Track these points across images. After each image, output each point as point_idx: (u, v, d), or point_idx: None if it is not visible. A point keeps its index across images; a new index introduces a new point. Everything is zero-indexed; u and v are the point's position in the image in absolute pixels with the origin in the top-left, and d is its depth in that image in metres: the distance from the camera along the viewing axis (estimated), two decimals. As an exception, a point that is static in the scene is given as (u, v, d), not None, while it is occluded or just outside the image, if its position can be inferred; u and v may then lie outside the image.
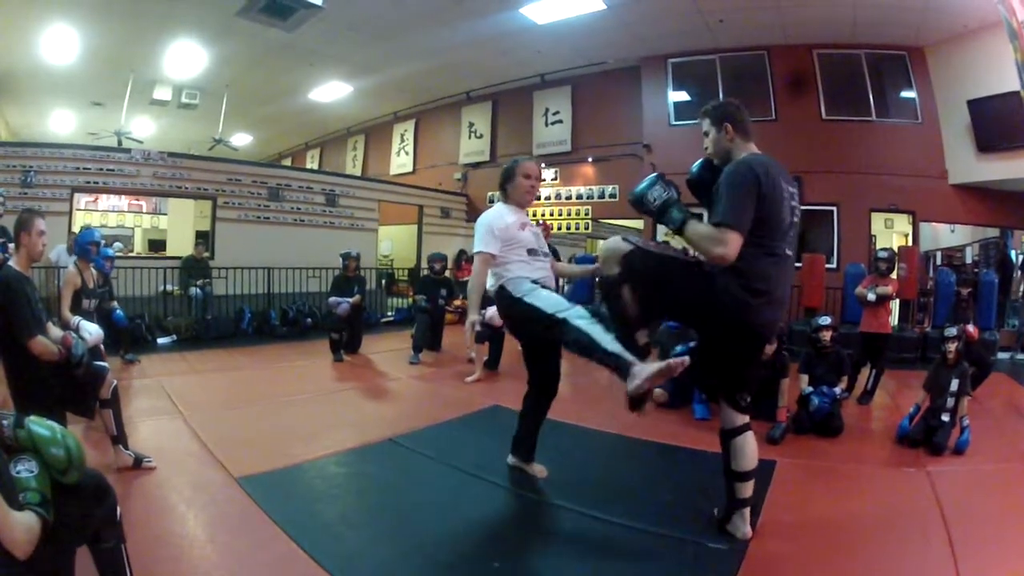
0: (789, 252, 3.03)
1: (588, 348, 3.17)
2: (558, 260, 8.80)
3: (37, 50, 12.48)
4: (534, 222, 4.16)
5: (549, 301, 3.48)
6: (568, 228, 14.79)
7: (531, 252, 3.84)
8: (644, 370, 2.90)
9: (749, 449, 3.17)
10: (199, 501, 3.60)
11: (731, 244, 2.76)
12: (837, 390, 5.43)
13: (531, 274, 3.75)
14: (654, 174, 3.13)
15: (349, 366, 8.10)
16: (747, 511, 3.21)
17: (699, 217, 2.99)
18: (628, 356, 2.99)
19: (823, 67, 11.71)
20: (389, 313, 13.27)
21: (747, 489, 3.18)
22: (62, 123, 17.28)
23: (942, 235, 13.95)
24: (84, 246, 5.88)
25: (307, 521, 3.34)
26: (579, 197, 14.64)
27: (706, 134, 3.19)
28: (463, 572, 2.92)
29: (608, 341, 3.11)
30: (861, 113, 11.55)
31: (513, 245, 3.81)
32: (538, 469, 4.08)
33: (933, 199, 11.21)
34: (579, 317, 3.29)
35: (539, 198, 14.93)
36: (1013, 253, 12.36)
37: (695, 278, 2.97)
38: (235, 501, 3.57)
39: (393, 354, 8.76)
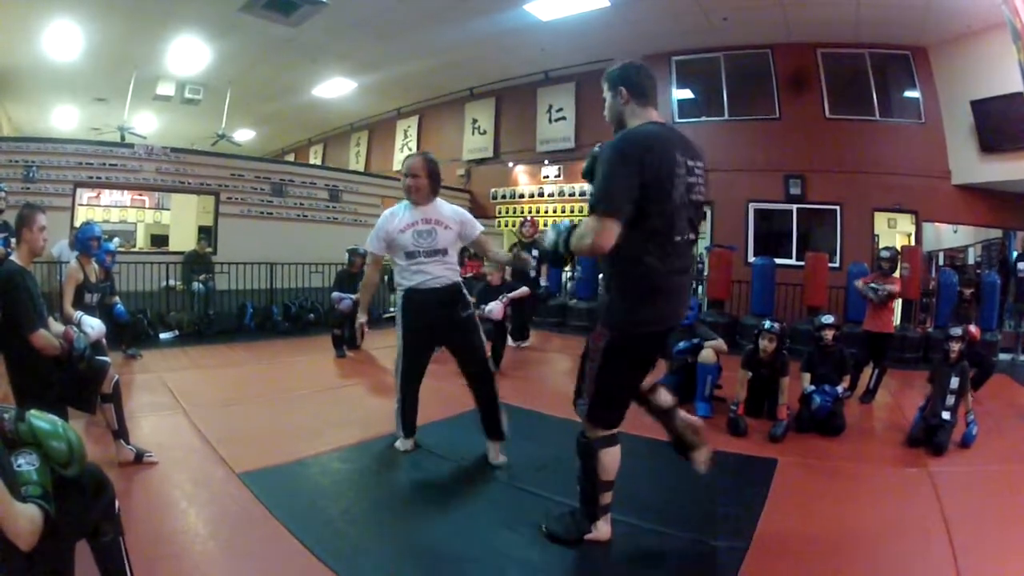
0: (680, 237, 2.74)
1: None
2: (546, 261, 8.89)
3: (40, 47, 12.50)
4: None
5: (397, 350, 4.45)
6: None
7: (409, 255, 4.14)
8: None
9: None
10: (200, 497, 3.60)
11: (604, 231, 2.55)
12: (839, 389, 5.43)
13: (408, 280, 4.18)
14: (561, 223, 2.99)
15: (351, 362, 8.11)
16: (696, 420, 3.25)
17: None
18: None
19: (827, 66, 11.70)
20: (392, 309, 13.22)
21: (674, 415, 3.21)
22: (65, 119, 17.29)
23: (944, 235, 13.92)
24: (85, 241, 5.84)
25: (309, 517, 3.34)
26: (582, 194, 14.58)
27: (604, 100, 2.97)
28: (466, 568, 2.92)
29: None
30: (864, 112, 11.54)
31: (393, 248, 4.20)
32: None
33: (936, 199, 11.21)
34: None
35: (542, 195, 14.97)
36: (1015, 255, 12.33)
37: (618, 351, 2.84)
38: (237, 497, 3.58)
39: (395, 350, 8.71)
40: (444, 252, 4.18)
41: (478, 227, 4.41)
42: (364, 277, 4.29)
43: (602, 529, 3.09)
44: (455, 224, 4.23)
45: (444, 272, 4.18)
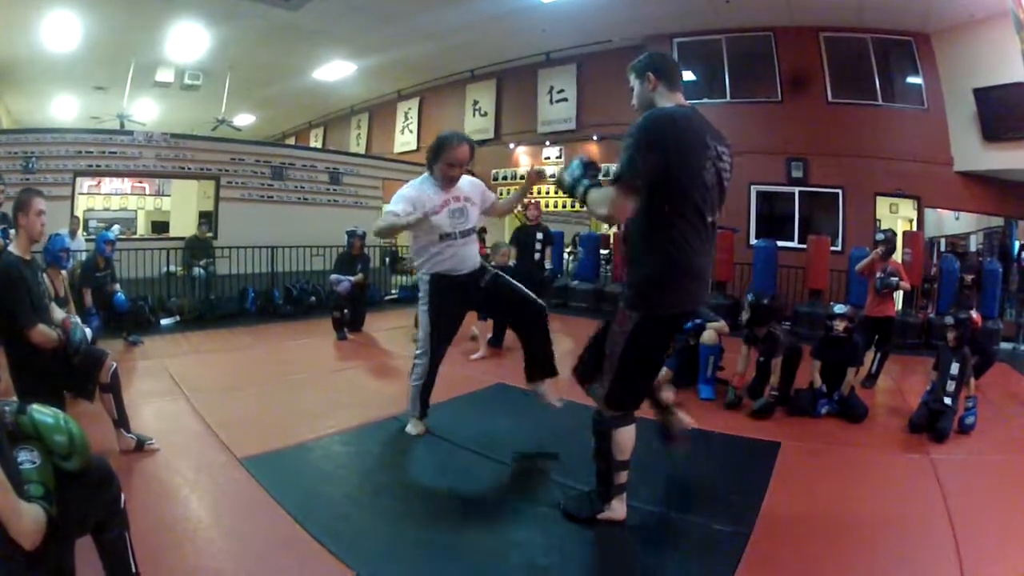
0: (711, 218, 2.78)
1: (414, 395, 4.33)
2: (550, 243, 8.85)
3: (38, 38, 12.44)
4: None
5: (422, 330, 4.17)
6: (573, 206, 14.73)
7: (444, 237, 3.94)
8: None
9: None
10: (203, 483, 3.60)
11: (620, 204, 2.58)
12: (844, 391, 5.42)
13: (436, 264, 4.00)
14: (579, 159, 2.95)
15: (353, 344, 8.11)
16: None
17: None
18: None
19: (829, 50, 11.64)
20: (393, 291, 13.28)
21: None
22: (64, 108, 17.23)
23: (946, 222, 13.91)
24: (56, 253, 5.29)
25: (312, 501, 3.35)
26: (582, 176, 14.56)
27: (632, 89, 2.99)
28: (469, 551, 2.93)
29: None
30: (867, 97, 11.50)
31: (423, 228, 3.91)
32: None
33: (938, 185, 11.18)
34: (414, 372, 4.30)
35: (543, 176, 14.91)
36: (1016, 244, 12.30)
37: (644, 333, 2.85)
38: (239, 482, 3.58)
39: (397, 332, 8.74)
40: (474, 230, 4.08)
41: (491, 193, 4.32)
42: (378, 223, 3.95)
43: (616, 509, 3.11)
44: (477, 197, 4.14)
45: (473, 253, 4.09)
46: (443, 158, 3.90)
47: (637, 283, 2.86)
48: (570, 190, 2.85)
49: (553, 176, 3.03)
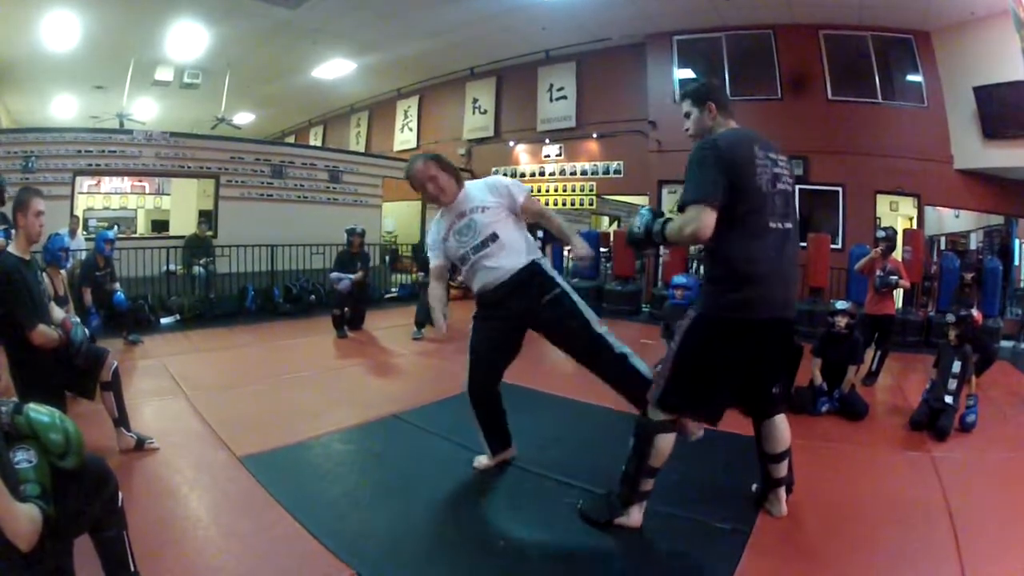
0: (776, 224, 2.81)
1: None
2: (551, 241, 8.74)
3: (37, 37, 12.41)
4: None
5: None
6: (572, 204, 14.78)
7: (462, 260, 3.61)
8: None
9: (779, 431, 3.25)
10: (202, 482, 3.61)
11: (701, 218, 2.62)
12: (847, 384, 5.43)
13: (472, 285, 3.69)
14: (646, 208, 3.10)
15: (352, 343, 8.12)
16: (782, 491, 3.31)
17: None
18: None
19: (829, 48, 11.61)
20: (393, 289, 13.29)
21: (781, 469, 3.28)
22: (64, 108, 17.18)
23: (946, 220, 13.89)
24: (55, 252, 5.20)
25: (311, 500, 3.35)
26: (583, 173, 14.62)
27: (687, 115, 3.11)
28: (469, 549, 2.93)
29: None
30: (867, 95, 11.46)
31: (451, 257, 3.71)
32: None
33: (938, 183, 11.15)
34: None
35: (543, 174, 14.93)
36: (1017, 243, 12.27)
37: (699, 332, 2.88)
38: (238, 481, 3.58)
39: (397, 330, 8.77)
40: (493, 238, 3.52)
41: (522, 190, 3.73)
42: (430, 289, 3.69)
43: (634, 515, 3.10)
44: (492, 200, 3.61)
45: (502, 261, 3.51)
46: (414, 187, 3.68)
47: (702, 285, 3.08)
48: (646, 232, 2.98)
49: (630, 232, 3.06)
